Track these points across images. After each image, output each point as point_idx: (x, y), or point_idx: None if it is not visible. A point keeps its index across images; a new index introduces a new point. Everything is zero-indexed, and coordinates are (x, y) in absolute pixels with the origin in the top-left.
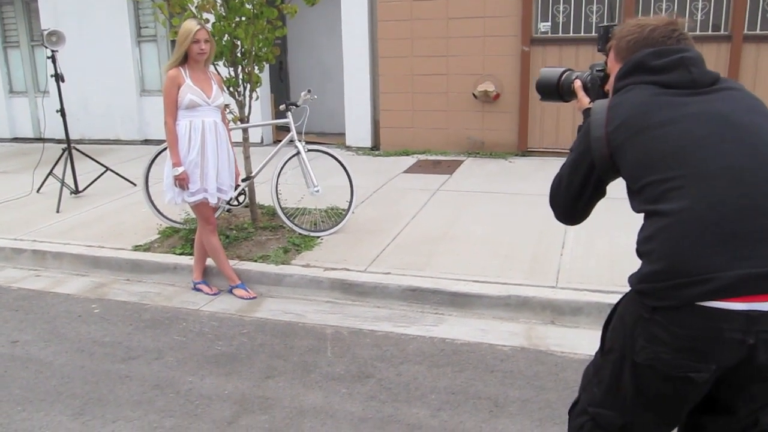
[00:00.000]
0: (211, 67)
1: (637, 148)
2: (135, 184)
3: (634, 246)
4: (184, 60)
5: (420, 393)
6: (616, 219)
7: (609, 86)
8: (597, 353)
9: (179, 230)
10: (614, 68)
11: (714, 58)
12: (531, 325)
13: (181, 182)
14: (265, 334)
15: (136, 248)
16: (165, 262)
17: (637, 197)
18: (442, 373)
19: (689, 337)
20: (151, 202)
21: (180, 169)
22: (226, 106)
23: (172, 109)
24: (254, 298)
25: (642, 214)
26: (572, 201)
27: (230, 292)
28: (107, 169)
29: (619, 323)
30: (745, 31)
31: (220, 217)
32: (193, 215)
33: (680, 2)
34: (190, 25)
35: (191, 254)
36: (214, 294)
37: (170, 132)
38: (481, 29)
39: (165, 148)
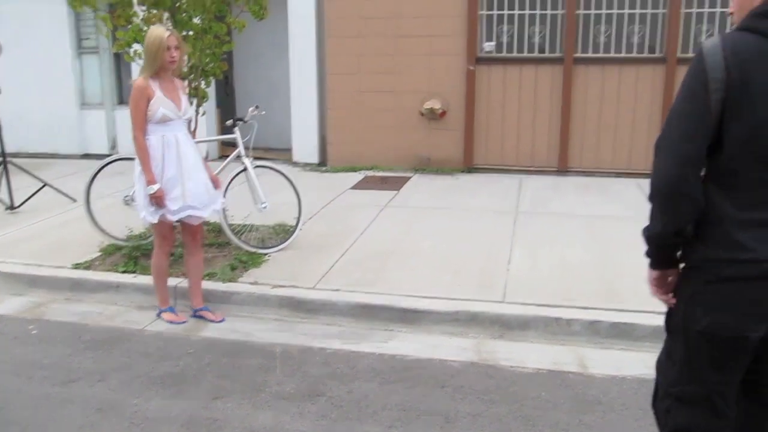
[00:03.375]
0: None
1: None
2: (75, 200)
3: (579, 260)
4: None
5: (371, 410)
6: (560, 233)
7: (736, 8)
8: (666, 340)
9: (122, 247)
10: None
11: (650, 80)
12: (480, 340)
13: (158, 200)
14: (213, 353)
15: (77, 266)
16: (107, 280)
17: None
18: (393, 389)
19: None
20: (93, 218)
21: (155, 187)
22: None
23: (141, 123)
24: (184, 322)
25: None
26: None
27: (158, 315)
28: (45, 184)
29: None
30: (679, 54)
31: None
32: (136, 232)
33: (618, 26)
34: (159, 31)
35: (134, 272)
36: (182, 321)
37: (141, 148)
38: (428, 48)
39: (109, 163)
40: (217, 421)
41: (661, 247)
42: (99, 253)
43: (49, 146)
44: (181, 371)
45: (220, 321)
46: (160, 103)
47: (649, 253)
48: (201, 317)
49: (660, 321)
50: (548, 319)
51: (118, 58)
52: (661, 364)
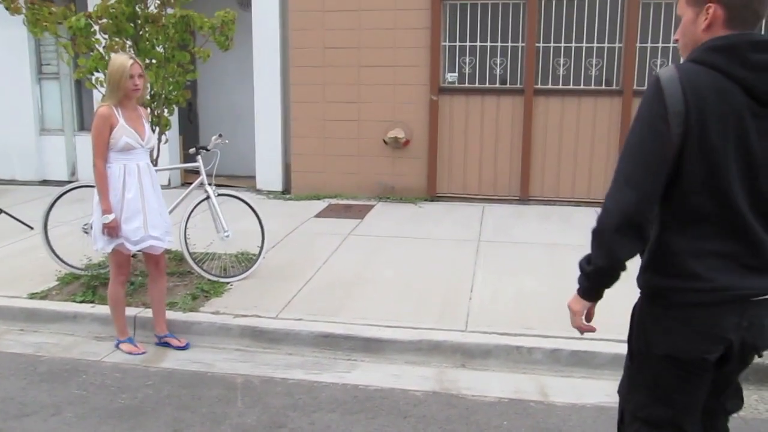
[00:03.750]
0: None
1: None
2: (32, 228)
3: (540, 288)
4: None
5: None
6: (522, 261)
7: (680, 36)
8: (626, 365)
9: (80, 276)
10: (685, 11)
11: (608, 110)
12: (442, 369)
13: (111, 231)
14: (172, 384)
15: (32, 296)
16: (64, 310)
17: None
18: (356, 420)
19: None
20: (50, 246)
21: (110, 217)
22: None
23: (103, 151)
24: (143, 353)
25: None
26: None
27: (116, 346)
28: (1, 211)
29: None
30: (635, 87)
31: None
32: (95, 261)
33: (576, 59)
34: (122, 59)
35: (93, 302)
36: (141, 352)
37: (101, 176)
38: (392, 78)
39: (69, 190)
40: None
41: (602, 281)
42: (56, 283)
43: (6, 172)
44: (139, 403)
45: (185, 346)
46: (123, 132)
47: (584, 286)
48: (166, 344)
49: (619, 349)
50: (510, 347)
51: (79, 84)
52: (623, 389)
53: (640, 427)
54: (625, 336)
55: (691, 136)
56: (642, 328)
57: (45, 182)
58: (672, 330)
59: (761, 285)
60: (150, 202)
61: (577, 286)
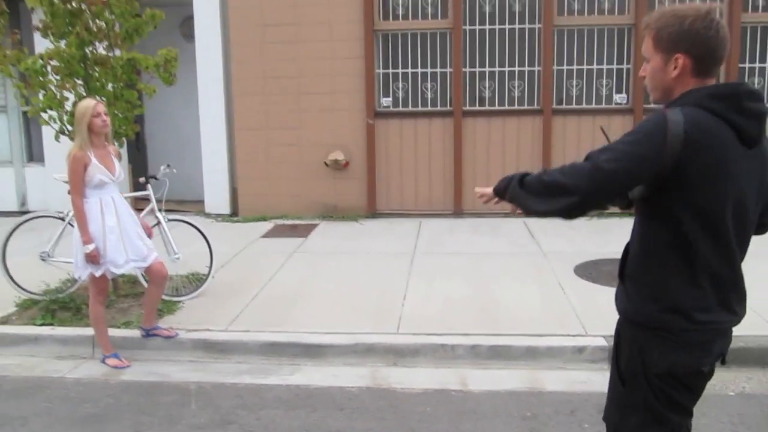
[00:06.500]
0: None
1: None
2: None
3: (466, 292)
4: None
5: None
6: (451, 270)
7: (646, 73)
8: (614, 391)
9: (39, 301)
10: (653, 56)
11: (530, 128)
12: (376, 368)
13: (93, 259)
14: (131, 394)
15: None
16: (24, 333)
17: None
18: (297, 414)
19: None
20: (9, 274)
21: (91, 247)
22: None
23: (80, 189)
24: (128, 366)
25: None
26: None
27: (103, 361)
28: None
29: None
30: (554, 106)
31: (81, 287)
32: (53, 286)
33: (500, 82)
34: (86, 102)
35: (52, 324)
36: (126, 366)
37: (79, 211)
38: (330, 104)
39: (26, 221)
40: None
41: (521, 204)
42: (15, 308)
43: None
44: (102, 411)
45: (174, 335)
46: (96, 170)
47: (514, 194)
48: (156, 335)
49: (530, 342)
50: (435, 345)
51: (26, 116)
52: (613, 416)
53: None
54: (533, 331)
55: (686, 175)
56: (636, 351)
57: None
58: (671, 350)
59: (740, 313)
60: (127, 229)
61: (504, 185)
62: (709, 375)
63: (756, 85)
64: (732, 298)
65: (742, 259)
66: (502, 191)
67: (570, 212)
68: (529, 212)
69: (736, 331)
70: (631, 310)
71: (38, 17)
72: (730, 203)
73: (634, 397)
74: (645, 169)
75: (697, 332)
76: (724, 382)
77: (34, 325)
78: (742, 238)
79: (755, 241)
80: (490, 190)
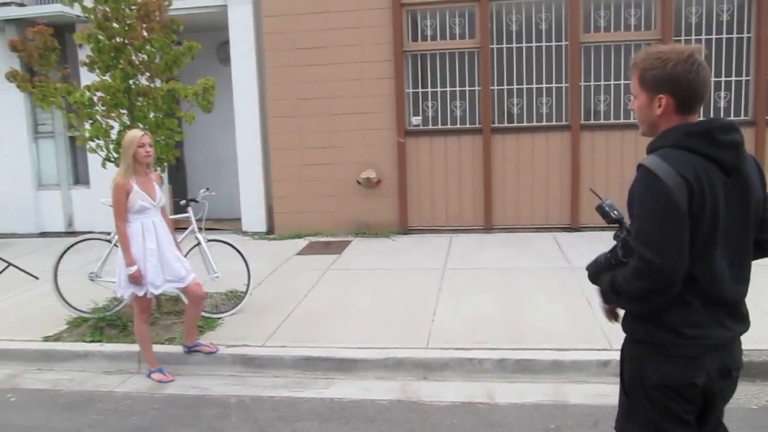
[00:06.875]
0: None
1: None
2: (37, 278)
3: (494, 307)
4: None
5: None
6: (481, 285)
7: (637, 113)
8: (621, 403)
9: (88, 319)
10: (639, 94)
11: (559, 144)
12: (406, 382)
13: (135, 280)
14: (175, 407)
15: (46, 338)
16: (75, 350)
17: None
18: (331, 426)
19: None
20: (60, 293)
21: (133, 268)
22: None
23: (123, 214)
24: (172, 380)
25: None
26: None
27: (148, 376)
28: (9, 264)
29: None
30: (581, 121)
31: (127, 305)
32: (100, 305)
33: (528, 98)
34: (134, 132)
35: (101, 341)
36: (170, 380)
37: (122, 235)
38: (362, 124)
39: (76, 243)
40: None
41: (620, 305)
42: (66, 326)
43: (5, 226)
44: (149, 423)
45: (215, 350)
46: (138, 197)
47: (610, 300)
48: (197, 351)
49: (555, 356)
50: (463, 360)
51: (73, 141)
52: (621, 424)
53: None
54: (559, 345)
55: (692, 220)
56: (635, 366)
57: (43, 234)
58: (663, 363)
59: (735, 329)
60: (166, 252)
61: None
62: (715, 388)
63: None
64: (723, 315)
65: (741, 279)
66: (611, 300)
67: (659, 300)
68: (629, 307)
69: (761, 344)
70: (629, 328)
71: (85, 53)
72: (714, 231)
73: (636, 409)
74: (684, 225)
75: (686, 346)
76: (747, 395)
77: (84, 341)
78: (736, 260)
79: None
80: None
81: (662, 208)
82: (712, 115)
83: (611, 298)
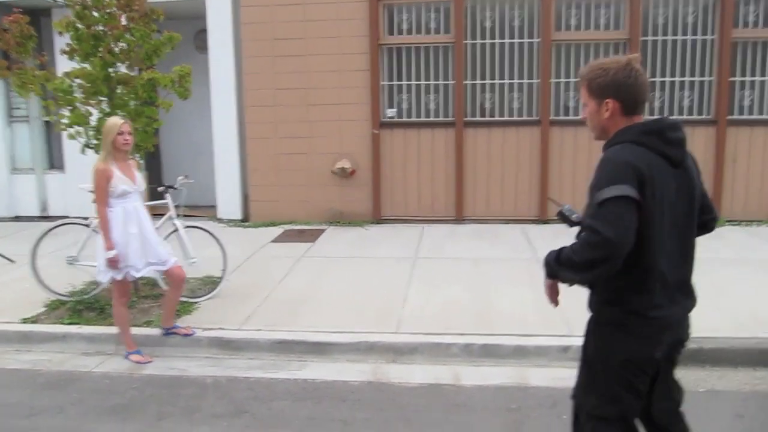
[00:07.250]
0: None
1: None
2: (13, 261)
3: (463, 295)
4: None
5: (286, 421)
6: (450, 274)
7: (588, 120)
8: (581, 374)
9: (66, 302)
10: (589, 102)
11: (529, 139)
12: (377, 364)
13: (113, 264)
14: (154, 387)
15: (25, 320)
16: (54, 331)
17: None
18: (304, 405)
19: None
20: (38, 276)
21: (112, 252)
22: None
23: (104, 199)
24: (150, 362)
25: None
26: None
27: (126, 357)
28: None
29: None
30: (551, 117)
31: (105, 289)
32: (78, 288)
33: (500, 94)
34: (114, 119)
35: (79, 323)
36: (148, 361)
37: (103, 219)
38: (337, 114)
39: (54, 227)
40: None
41: (567, 279)
42: (44, 309)
43: None
44: (128, 402)
45: (191, 333)
46: (119, 181)
47: (555, 273)
48: (175, 334)
49: (519, 341)
50: (432, 344)
51: (48, 126)
52: (578, 393)
53: (595, 425)
54: (523, 332)
55: (647, 209)
56: (601, 342)
57: (17, 218)
58: (628, 342)
59: (687, 305)
60: (148, 235)
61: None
62: (668, 359)
63: (747, 99)
64: (677, 293)
65: (689, 259)
66: (555, 276)
67: (609, 269)
68: (574, 280)
69: (711, 333)
70: (596, 308)
71: (65, 40)
72: (667, 218)
73: (597, 380)
74: (634, 207)
75: (649, 326)
76: (696, 380)
77: (62, 324)
78: (684, 242)
79: (730, 247)
80: (547, 285)
81: (621, 186)
82: (666, 115)
83: (555, 270)
